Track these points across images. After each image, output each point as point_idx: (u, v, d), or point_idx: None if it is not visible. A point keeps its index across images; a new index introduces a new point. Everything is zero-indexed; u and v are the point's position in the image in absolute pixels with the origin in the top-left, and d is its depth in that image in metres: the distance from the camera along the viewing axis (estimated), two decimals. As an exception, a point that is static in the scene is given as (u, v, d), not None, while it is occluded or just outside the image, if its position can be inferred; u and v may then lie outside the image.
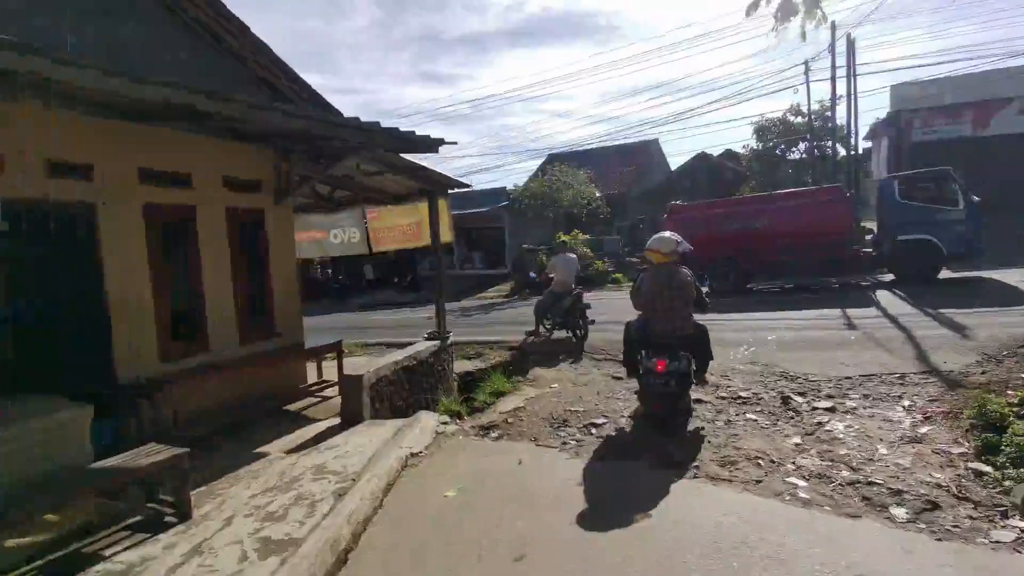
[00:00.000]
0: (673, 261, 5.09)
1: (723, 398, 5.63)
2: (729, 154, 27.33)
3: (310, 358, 6.82)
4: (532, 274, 10.40)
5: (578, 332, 8.64)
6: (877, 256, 12.06)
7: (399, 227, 8.46)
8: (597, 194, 23.20)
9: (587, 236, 22.75)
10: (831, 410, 4.94)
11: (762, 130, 20.83)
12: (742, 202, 13.54)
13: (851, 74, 16.54)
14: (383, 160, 6.53)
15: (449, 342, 7.27)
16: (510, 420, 5.31)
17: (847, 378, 5.85)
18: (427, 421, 5.03)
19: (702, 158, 25.51)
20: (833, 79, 16.75)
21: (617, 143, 33.46)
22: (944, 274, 11.35)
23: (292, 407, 6.09)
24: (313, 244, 9.18)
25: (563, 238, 22.32)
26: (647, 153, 32.74)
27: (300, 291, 6.75)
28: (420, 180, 7.44)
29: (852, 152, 17.30)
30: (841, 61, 16.76)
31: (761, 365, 6.67)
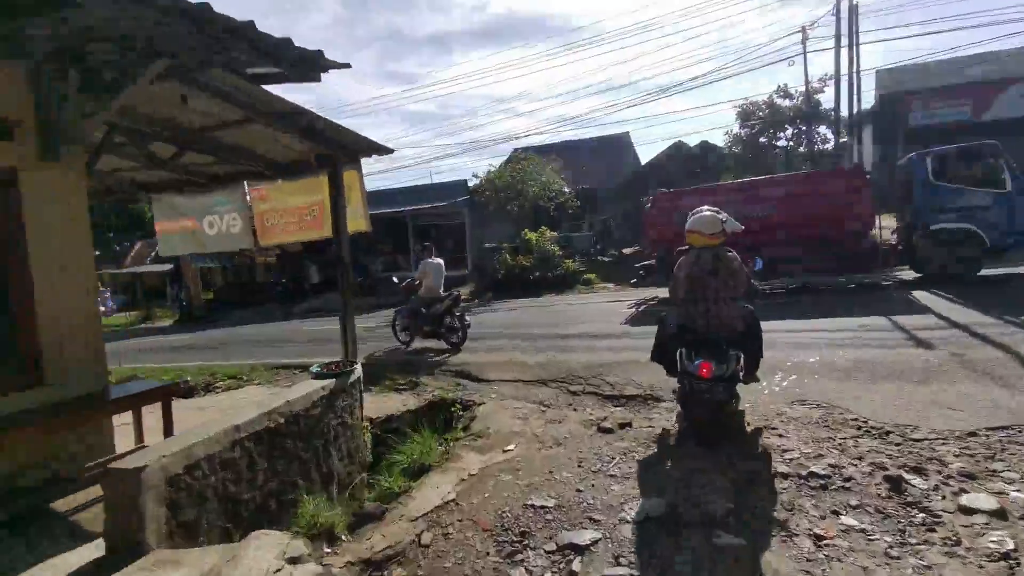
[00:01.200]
0: (719, 244, 4.31)
1: (785, 475, 3.41)
2: (706, 145, 25.59)
3: (127, 409, 4.32)
4: (395, 279, 10.08)
5: (454, 339, 8.09)
6: (904, 250, 10.13)
7: (295, 211, 6.01)
8: (566, 189, 21.05)
9: (555, 233, 20.60)
10: (999, 515, 2.76)
11: (746, 114, 19.02)
12: (741, 187, 11.51)
13: (854, 43, 14.83)
14: (234, 95, 4.11)
15: (354, 378, 4.87)
16: (425, 540, 2.96)
17: (970, 435, 3.71)
18: (259, 562, 2.63)
19: (678, 147, 23.68)
20: (837, 47, 14.86)
21: (586, 136, 31.79)
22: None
23: (66, 503, 3.61)
24: (184, 237, 6.64)
25: (529, 235, 20.26)
26: (618, 146, 30.95)
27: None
28: (313, 138, 5.02)
29: (855, 130, 15.56)
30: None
31: (816, 405, 4.50)
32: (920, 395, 4.45)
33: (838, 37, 14.70)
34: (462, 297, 8.85)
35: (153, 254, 38.89)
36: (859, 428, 4.01)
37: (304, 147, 5.34)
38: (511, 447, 4.28)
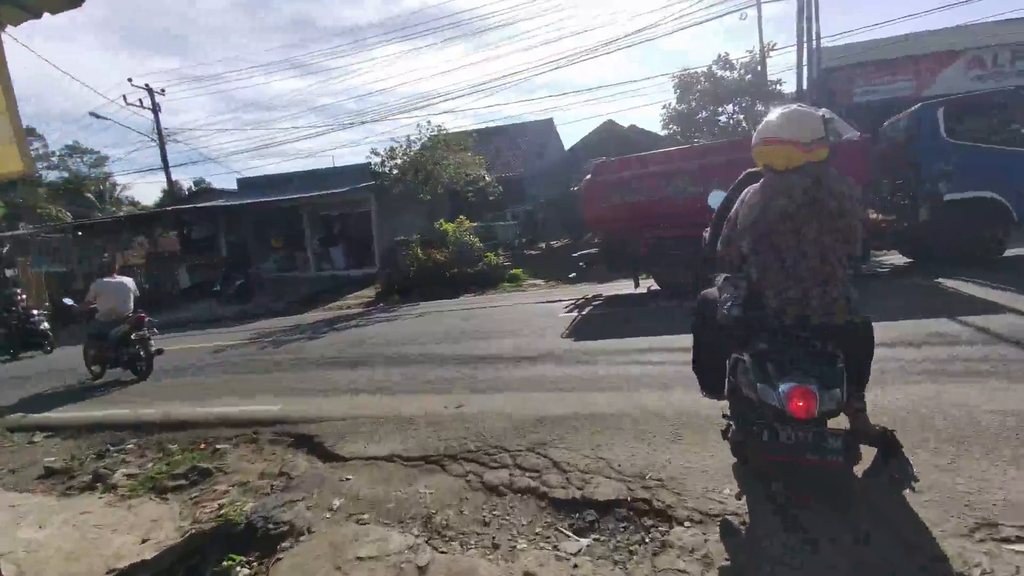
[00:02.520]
0: (820, 161, 2.27)
1: None
2: (637, 130, 23.76)
3: None
4: (68, 300, 9.80)
5: (140, 367, 7.31)
6: (913, 226, 8.05)
7: None
8: (486, 175, 18.21)
9: (476, 223, 17.80)
10: None
11: (685, 86, 17.10)
12: (708, 152, 9.19)
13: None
14: None
15: None
16: None
17: None
18: None
19: (609, 126, 21.59)
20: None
21: (508, 123, 29.36)
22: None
23: None
24: None
25: (446, 226, 17.29)
26: (541, 133, 28.73)
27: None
28: None
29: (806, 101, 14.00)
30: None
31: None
32: None
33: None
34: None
35: (3, 251, 32.22)
36: None
37: None
38: None
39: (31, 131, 43.69)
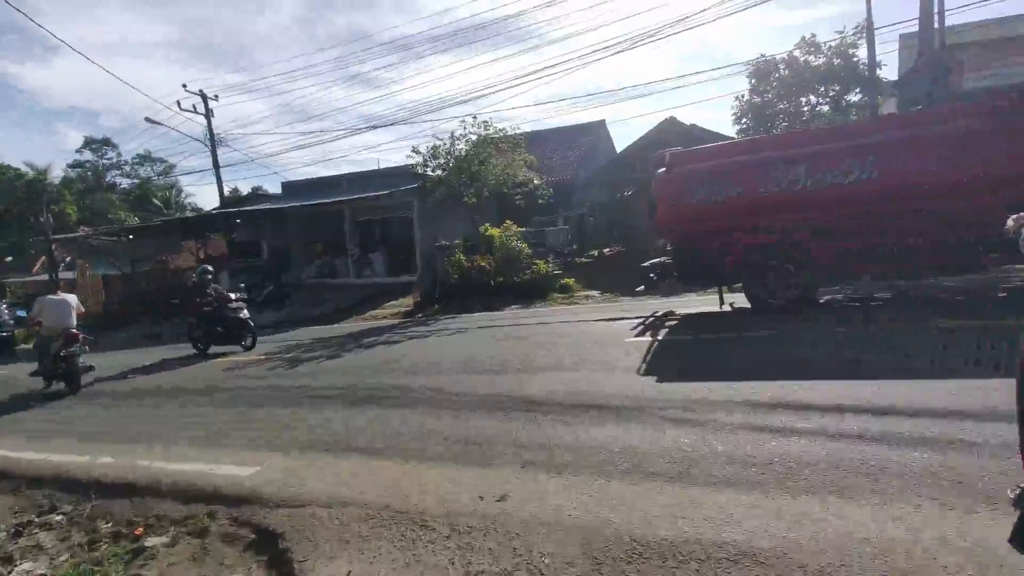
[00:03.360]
0: None
1: None
2: (698, 129, 21.81)
3: None
4: (21, 312, 10.34)
5: (72, 383, 7.50)
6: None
7: None
8: (535, 179, 16.78)
9: (524, 228, 16.39)
10: None
11: (761, 74, 15.08)
12: (810, 138, 7.43)
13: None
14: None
15: None
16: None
17: None
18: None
19: (669, 124, 19.75)
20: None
21: (558, 126, 28.04)
22: None
23: None
24: None
25: (491, 231, 15.97)
26: (593, 135, 27.20)
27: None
28: None
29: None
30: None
31: None
32: None
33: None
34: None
35: (69, 258, 33.36)
36: None
37: None
38: None
39: (106, 142, 45.84)
